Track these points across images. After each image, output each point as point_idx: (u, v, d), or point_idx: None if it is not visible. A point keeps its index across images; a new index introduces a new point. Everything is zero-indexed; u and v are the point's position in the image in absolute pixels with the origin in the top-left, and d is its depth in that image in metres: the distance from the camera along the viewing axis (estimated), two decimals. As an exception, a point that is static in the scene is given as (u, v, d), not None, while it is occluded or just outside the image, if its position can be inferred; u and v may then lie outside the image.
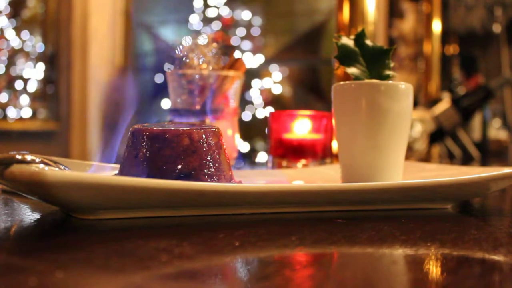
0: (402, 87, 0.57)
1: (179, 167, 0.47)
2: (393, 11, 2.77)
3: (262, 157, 2.94)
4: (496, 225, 0.47)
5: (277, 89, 3.20)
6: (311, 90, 3.20)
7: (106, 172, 0.58)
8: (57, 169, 0.43)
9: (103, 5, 3.26)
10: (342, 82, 0.59)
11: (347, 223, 0.45)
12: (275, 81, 3.21)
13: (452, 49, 2.56)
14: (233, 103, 0.74)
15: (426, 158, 1.33)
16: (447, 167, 0.72)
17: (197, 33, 3.10)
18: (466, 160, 1.45)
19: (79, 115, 3.18)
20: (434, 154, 1.47)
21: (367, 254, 0.35)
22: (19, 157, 0.40)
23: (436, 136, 1.39)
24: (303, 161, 0.79)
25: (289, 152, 0.79)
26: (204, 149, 0.49)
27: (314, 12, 3.21)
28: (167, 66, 0.76)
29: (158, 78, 3.33)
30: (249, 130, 3.01)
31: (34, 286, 0.26)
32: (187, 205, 0.44)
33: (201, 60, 0.72)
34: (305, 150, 0.78)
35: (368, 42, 0.60)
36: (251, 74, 3.16)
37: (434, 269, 0.32)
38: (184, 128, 0.49)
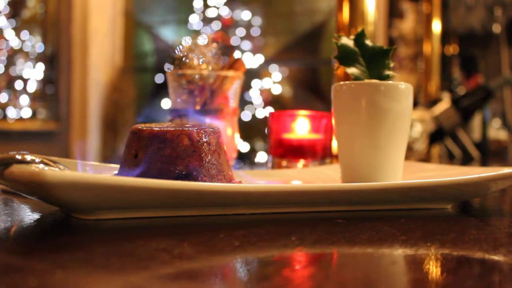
0: (402, 87, 0.57)
1: (179, 167, 0.47)
2: (393, 11, 2.77)
3: (262, 157, 2.94)
4: (496, 225, 0.47)
5: (277, 89, 3.20)
6: (311, 90, 3.20)
7: (106, 172, 0.58)
8: (57, 169, 0.43)
9: (103, 5, 3.26)
10: (342, 82, 0.59)
11: (347, 223, 0.45)
12: (275, 81, 3.21)
13: (452, 49, 2.56)
14: (233, 103, 0.74)
15: (426, 158, 1.33)
16: (447, 167, 0.72)
17: (197, 33, 3.10)
18: (466, 160, 1.45)
19: (79, 115, 3.18)
20: (434, 154, 1.47)
21: (367, 254, 0.35)
22: (19, 157, 0.40)
23: (436, 136, 1.39)
24: (303, 161, 0.79)
25: (289, 152, 0.79)
26: (204, 149, 0.49)
27: (314, 12, 3.22)
28: (167, 66, 0.76)
29: (158, 78, 3.34)
30: (249, 130, 3.01)
31: (34, 286, 0.26)
32: (187, 205, 0.44)
33: (201, 60, 0.72)
34: (305, 150, 0.78)
35: (368, 42, 0.60)
36: (251, 74, 3.16)
37: (434, 269, 0.32)
38: (184, 128, 0.49)
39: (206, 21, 3.24)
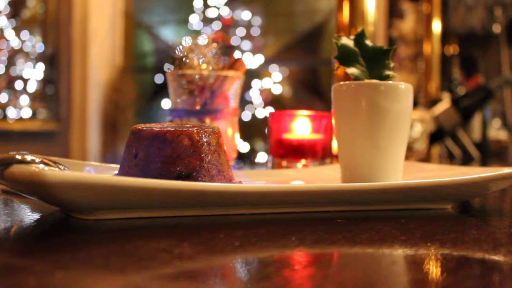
0: (402, 87, 0.57)
1: (179, 167, 0.47)
2: (393, 11, 2.77)
3: (262, 157, 2.94)
4: (496, 225, 0.47)
5: (277, 89, 3.20)
6: (311, 90, 3.20)
7: (106, 172, 0.58)
8: (57, 169, 0.43)
9: (103, 5, 3.26)
10: (342, 82, 0.59)
11: (347, 223, 0.45)
12: (275, 81, 3.21)
13: (452, 49, 2.56)
14: (233, 103, 0.74)
15: (426, 158, 1.33)
16: (447, 167, 0.72)
17: (197, 33, 3.10)
18: (466, 160, 1.45)
19: (79, 115, 3.18)
20: (434, 154, 1.47)
21: (367, 254, 0.35)
22: (19, 157, 0.40)
23: (436, 136, 1.39)
24: (303, 161, 0.79)
25: (289, 152, 0.79)
26: (204, 149, 0.49)
27: (314, 12, 3.22)
28: (167, 66, 0.76)
29: (158, 78, 3.34)
30: (249, 130, 3.01)
31: (34, 286, 0.26)
32: (187, 205, 0.44)
33: (201, 60, 0.72)
34: (305, 150, 0.78)
35: (368, 42, 0.60)
36: (251, 74, 3.16)
37: (434, 269, 0.32)
38: (184, 128, 0.49)
39: (206, 21, 3.24)
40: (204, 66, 0.72)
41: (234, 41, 3.17)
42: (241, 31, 3.21)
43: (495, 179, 0.51)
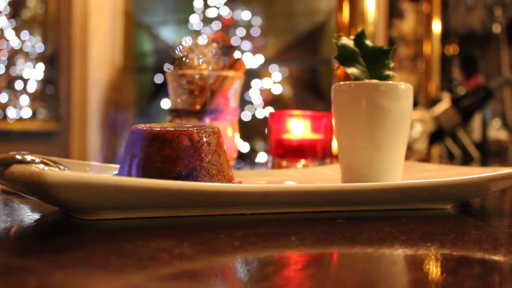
0: (402, 87, 0.57)
1: (179, 167, 0.47)
2: (393, 11, 2.77)
3: (262, 157, 2.93)
4: (496, 225, 0.47)
5: (277, 89, 3.20)
6: (311, 90, 3.20)
7: (106, 172, 0.58)
8: (57, 169, 0.43)
9: (103, 5, 3.26)
10: (342, 82, 0.59)
11: (347, 223, 0.45)
12: (275, 81, 3.21)
13: (452, 49, 2.56)
14: (233, 103, 0.74)
15: (426, 158, 1.33)
16: (447, 167, 0.72)
17: (197, 33, 3.10)
18: (466, 160, 1.45)
19: (79, 115, 3.18)
20: (434, 154, 1.47)
21: (367, 254, 0.35)
22: (19, 157, 0.40)
23: (436, 136, 1.39)
24: (303, 161, 0.79)
25: (289, 152, 0.79)
26: (204, 149, 0.49)
27: (314, 12, 3.22)
28: (167, 66, 0.76)
29: (158, 78, 3.34)
30: (249, 130, 3.01)
31: (34, 286, 0.26)
32: (187, 205, 0.44)
33: (201, 60, 0.72)
34: (305, 150, 0.78)
35: (368, 42, 0.60)
36: (251, 74, 3.16)
37: (434, 269, 0.32)
38: (184, 128, 0.49)
39: (206, 21, 3.24)
40: (204, 66, 0.72)
41: (234, 41, 3.17)
42: (241, 31, 3.21)
43: (495, 179, 0.51)
